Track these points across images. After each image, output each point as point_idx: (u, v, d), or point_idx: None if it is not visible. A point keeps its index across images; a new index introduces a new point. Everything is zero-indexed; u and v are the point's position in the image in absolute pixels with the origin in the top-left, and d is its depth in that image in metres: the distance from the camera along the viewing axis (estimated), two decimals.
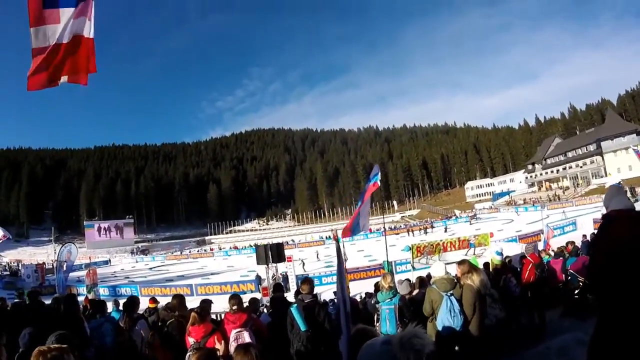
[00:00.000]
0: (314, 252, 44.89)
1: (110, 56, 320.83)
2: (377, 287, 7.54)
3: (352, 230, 11.82)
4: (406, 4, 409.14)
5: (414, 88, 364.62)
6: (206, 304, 6.25)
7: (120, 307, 8.17)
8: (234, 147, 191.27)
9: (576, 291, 8.46)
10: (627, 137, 75.56)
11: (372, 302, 6.01)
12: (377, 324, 5.83)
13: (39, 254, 79.13)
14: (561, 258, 10.81)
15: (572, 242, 12.75)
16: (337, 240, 6.55)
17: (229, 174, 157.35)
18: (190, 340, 4.85)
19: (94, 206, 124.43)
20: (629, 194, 39.46)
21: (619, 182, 21.50)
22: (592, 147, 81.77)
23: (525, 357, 5.87)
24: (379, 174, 12.54)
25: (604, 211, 3.37)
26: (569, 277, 9.14)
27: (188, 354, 4.71)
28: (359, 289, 19.86)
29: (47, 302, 8.40)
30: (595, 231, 4.13)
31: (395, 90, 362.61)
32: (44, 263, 46.56)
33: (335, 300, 12.35)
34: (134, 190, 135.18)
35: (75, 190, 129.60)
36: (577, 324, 7.00)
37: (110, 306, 8.57)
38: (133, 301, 6.76)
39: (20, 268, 48.01)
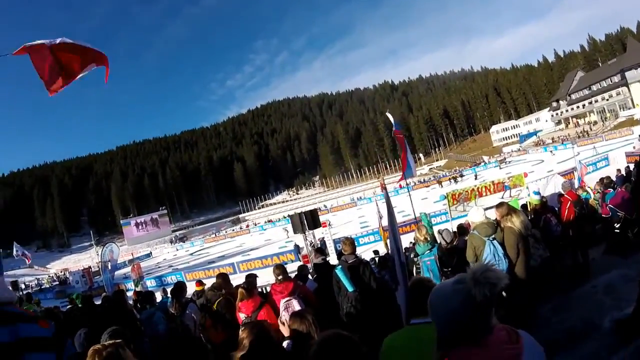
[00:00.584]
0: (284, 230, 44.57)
1: (115, 56, 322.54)
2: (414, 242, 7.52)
3: (405, 175, 12.43)
4: None
5: (424, 38, 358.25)
6: (252, 278, 6.31)
7: (169, 295, 8.37)
8: (252, 123, 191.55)
9: (617, 226, 8.26)
10: None
11: (412, 256, 5.97)
12: None
13: (83, 260, 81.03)
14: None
15: (608, 177, 12.49)
16: (385, 189, 6.45)
17: (252, 150, 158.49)
18: (241, 316, 4.88)
19: (126, 204, 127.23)
20: None
21: None
22: (616, 79, 78.32)
23: (572, 296, 5.79)
24: (393, 121, 13.03)
25: (638, 145, 3.29)
26: (610, 213, 8.94)
27: (241, 329, 4.78)
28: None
29: (98, 302, 8.62)
30: (632, 165, 4.03)
31: (404, 42, 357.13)
32: (89, 267, 47.55)
33: (376, 259, 12.49)
34: (162, 182, 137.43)
35: (105, 192, 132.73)
36: (620, 261, 6.85)
37: (159, 296, 8.80)
38: (180, 286, 6.79)
39: (67, 276, 49.09)
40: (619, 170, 15.34)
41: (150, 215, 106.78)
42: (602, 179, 12.45)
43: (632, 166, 13.76)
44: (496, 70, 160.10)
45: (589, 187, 13.89)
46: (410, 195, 14.85)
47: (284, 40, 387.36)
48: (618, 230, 8.15)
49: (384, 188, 6.67)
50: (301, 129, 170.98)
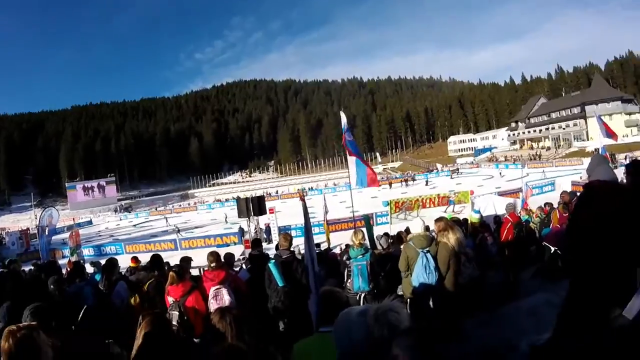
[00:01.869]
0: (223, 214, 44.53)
1: (84, 10, 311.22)
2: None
3: (357, 182, 11.77)
4: None
5: (399, 40, 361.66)
6: (185, 263, 6.24)
7: (93, 266, 8.18)
8: (215, 100, 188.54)
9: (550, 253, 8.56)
10: (612, 103, 76.48)
11: (344, 258, 6.06)
12: (349, 280, 5.85)
13: (22, 220, 78.23)
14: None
15: (550, 204, 12.88)
16: (303, 200, 6.53)
17: (210, 127, 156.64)
18: (170, 300, 4.84)
19: (74, 167, 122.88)
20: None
21: (603, 146, 21.61)
22: (576, 110, 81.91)
23: (497, 315, 5.97)
24: (344, 123, 11.79)
25: (585, 176, 3.41)
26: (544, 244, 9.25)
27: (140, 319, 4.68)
28: (339, 240, 20.18)
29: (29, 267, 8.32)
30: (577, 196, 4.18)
31: (379, 41, 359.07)
32: (27, 229, 46.02)
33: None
34: (114, 148, 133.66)
35: (54, 152, 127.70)
36: (549, 285, 7.12)
37: (91, 269, 8.56)
38: (111, 263, 6.57)
39: (4, 236, 47.14)
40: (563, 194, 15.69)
41: (97, 181, 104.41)
42: (545, 205, 12.90)
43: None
44: (463, 83, 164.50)
45: (531, 209, 14.35)
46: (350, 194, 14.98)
47: (261, 20, 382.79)
48: (549, 259, 8.46)
49: (302, 200, 6.70)
50: (263, 112, 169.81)
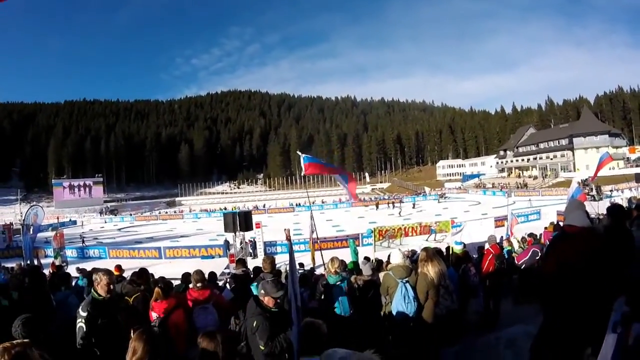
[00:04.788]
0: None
1: (87, 8, 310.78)
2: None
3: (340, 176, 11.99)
4: None
5: (394, 63, 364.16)
6: (166, 282, 6.27)
7: (84, 277, 8.24)
8: (209, 107, 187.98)
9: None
10: (600, 136, 78.54)
11: (322, 284, 6.22)
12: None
13: (6, 214, 76.25)
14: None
15: (534, 235, 13.23)
16: (289, 240, 6.51)
17: (202, 135, 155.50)
18: (154, 315, 4.93)
19: (62, 164, 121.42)
20: (594, 192, 40.74)
21: (587, 178, 22.00)
22: (564, 142, 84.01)
23: (476, 345, 6.14)
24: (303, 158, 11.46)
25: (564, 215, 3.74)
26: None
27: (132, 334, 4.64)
28: (325, 259, 20.29)
29: (12, 265, 8.28)
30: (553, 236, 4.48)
31: (375, 63, 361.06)
32: (11, 223, 45.20)
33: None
34: (104, 148, 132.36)
35: (43, 146, 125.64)
36: (529, 315, 7.29)
37: (74, 272, 8.65)
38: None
39: None
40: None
41: (84, 180, 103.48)
42: (528, 235, 13.28)
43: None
44: (455, 109, 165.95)
45: (515, 238, 14.70)
46: (318, 214, 15.23)
47: (259, 32, 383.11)
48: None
49: (288, 239, 6.70)
50: (256, 124, 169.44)
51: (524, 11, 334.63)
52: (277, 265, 6.64)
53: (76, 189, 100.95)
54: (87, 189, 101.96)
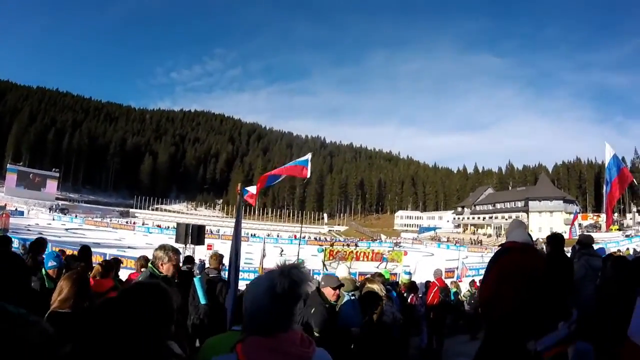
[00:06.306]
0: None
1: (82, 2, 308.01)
2: None
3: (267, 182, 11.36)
4: (380, 32, 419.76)
5: (368, 110, 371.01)
6: (115, 262, 6.67)
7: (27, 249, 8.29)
8: (179, 123, 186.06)
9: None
10: (554, 202, 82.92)
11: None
12: None
13: None
14: None
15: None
16: (240, 194, 6.67)
17: (168, 150, 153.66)
18: None
19: (21, 150, 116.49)
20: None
21: (537, 239, 22.98)
22: (520, 204, 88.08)
23: None
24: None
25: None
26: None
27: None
28: None
29: None
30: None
31: (350, 107, 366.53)
32: None
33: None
34: (66, 143, 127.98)
35: (5, 128, 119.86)
36: (470, 352, 7.68)
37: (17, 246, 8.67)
38: (39, 242, 6.44)
39: None
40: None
41: (39, 172, 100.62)
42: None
43: None
44: (419, 163, 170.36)
45: (458, 284, 15.49)
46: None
47: (243, 58, 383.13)
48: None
49: (239, 193, 6.65)
50: (223, 148, 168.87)
51: (497, 78, 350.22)
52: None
53: (30, 179, 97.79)
54: (41, 182, 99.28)
